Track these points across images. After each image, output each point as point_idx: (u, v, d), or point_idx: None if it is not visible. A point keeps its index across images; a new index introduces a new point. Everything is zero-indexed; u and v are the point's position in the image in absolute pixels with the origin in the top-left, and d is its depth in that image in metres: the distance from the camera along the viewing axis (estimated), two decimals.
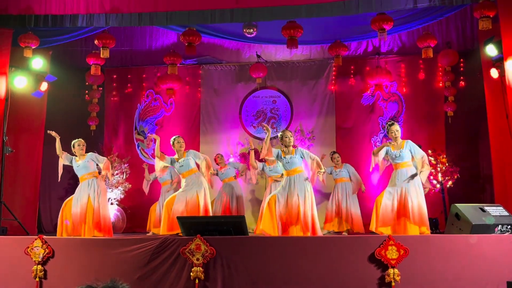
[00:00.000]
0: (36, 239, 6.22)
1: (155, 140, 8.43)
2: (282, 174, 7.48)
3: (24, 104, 8.82)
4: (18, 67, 8.59)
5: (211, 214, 7.97)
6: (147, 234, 8.98)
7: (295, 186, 7.13)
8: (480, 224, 6.10)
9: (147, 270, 5.97)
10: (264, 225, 7.24)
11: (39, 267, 6.14)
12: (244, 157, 10.23)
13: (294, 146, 7.40)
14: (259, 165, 8.99)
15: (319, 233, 7.21)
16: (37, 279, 6.13)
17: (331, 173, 9.14)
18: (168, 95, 10.52)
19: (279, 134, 7.54)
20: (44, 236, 6.30)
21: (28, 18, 7.98)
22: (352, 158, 9.62)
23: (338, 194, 9.04)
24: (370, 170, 7.47)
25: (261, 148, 7.46)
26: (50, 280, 6.16)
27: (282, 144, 7.39)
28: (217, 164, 9.56)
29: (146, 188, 9.81)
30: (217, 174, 9.45)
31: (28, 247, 6.20)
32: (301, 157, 7.29)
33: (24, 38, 8.19)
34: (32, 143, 9.06)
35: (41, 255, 6.14)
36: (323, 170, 7.36)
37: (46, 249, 6.16)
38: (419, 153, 7.14)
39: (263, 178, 10.06)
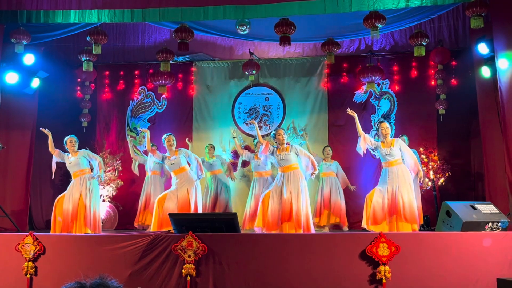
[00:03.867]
0: (27, 236, 6.21)
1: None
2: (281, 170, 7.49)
3: (16, 100, 8.78)
4: (9, 63, 8.55)
5: (200, 211, 8.01)
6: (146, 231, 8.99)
7: (289, 182, 7.19)
8: (471, 221, 6.14)
9: (138, 267, 5.98)
10: (257, 222, 7.30)
11: (30, 264, 6.13)
12: (236, 154, 10.22)
13: (287, 143, 7.48)
14: (247, 155, 9.08)
15: (312, 230, 7.25)
16: (28, 276, 6.12)
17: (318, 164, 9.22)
18: (161, 92, 10.49)
19: (272, 132, 7.61)
20: (35, 233, 6.29)
21: (19, 14, 7.92)
22: (345, 156, 9.66)
23: (326, 187, 9.11)
24: (358, 150, 7.46)
25: (256, 143, 7.67)
26: (40, 277, 6.15)
27: (275, 142, 7.45)
28: (207, 153, 9.55)
29: (135, 169, 9.81)
30: (202, 163, 9.43)
31: (19, 244, 6.18)
32: (296, 154, 7.35)
33: (16, 34, 8.13)
34: (24, 139, 9.00)
35: (32, 252, 6.13)
36: (316, 172, 7.47)
37: (37, 246, 6.15)
38: (410, 153, 7.24)
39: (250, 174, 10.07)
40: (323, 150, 9.45)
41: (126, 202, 10.36)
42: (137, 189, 10.47)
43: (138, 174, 9.83)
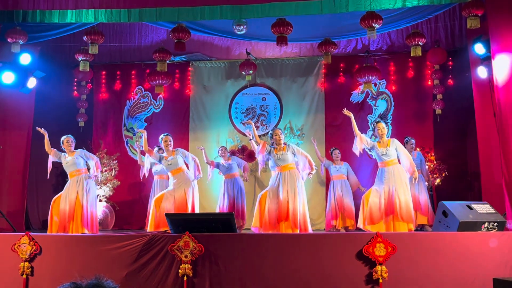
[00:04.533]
0: (23, 236, 6.20)
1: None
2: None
3: (12, 100, 8.76)
4: (5, 62, 8.53)
5: (198, 211, 8.01)
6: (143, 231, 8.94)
7: (285, 182, 7.20)
8: (467, 221, 6.16)
9: (135, 267, 5.97)
10: (254, 222, 7.31)
11: (26, 264, 6.12)
12: (233, 153, 10.21)
13: (284, 143, 7.49)
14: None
15: (309, 230, 7.26)
16: (24, 276, 6.11)
17: (328, 167, 9.21)
18: (158, 92, 10.48)
19: (269, 132, 7.63)
20: (31, 233, 6.27)
21: (16, 13, 7.91)
22: (341, 156, 9.63)
23: (338, 190, 9.06)
24: (354, 150, 7.51)
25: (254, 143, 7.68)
26: (37, 277, 6.14)
27: (272, 142, 7.47)
28: (220, 156, 9.50)
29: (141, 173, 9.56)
30: (218, 167, 9.40)
31: (15, 244, 6.17)
32: (293, 154, 7.36)
33: (12, 34, 8.10)
34: (20, 139, 8.98)
35: (28, 252, 6.11)
36: (314, 172, 7.46)
37: (33, 246, 6.14)
38: (405, 153, 7.27)
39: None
40: (331, 152, 9.36)
41: (123, 202, 10.35)
42: (133, 189, 10.48)
43: (141, 179, 9.68)
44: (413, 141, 8.80)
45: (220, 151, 9.56)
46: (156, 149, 8.64)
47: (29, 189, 9.39)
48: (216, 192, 10.14)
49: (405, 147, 8.35)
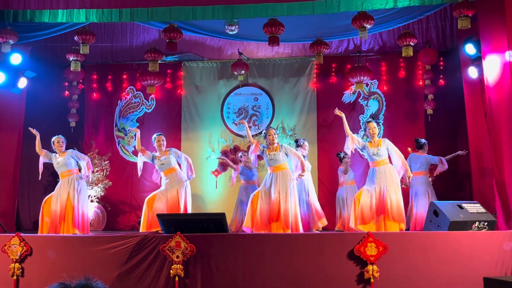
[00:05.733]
0: (13, 237, 6.17)
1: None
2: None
3: (3, 100, 8.71)
4: None
5: (190, 211, 8.00)
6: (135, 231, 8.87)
7: (277, 182, 7.20)
8: (458, 220, 6.20)
9: (126, 268, 5.96)
10: (246, 222, 7.32)
11: (17, 265, 6.09)
12: (225, 154, 10.20)
13: (277, 143, 7.50)
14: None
15: (301, 230, 7.27)
16: (15, 277, 6.08)
17: (341, 173, 9.02)
18: (149, 92, 10.44)
19: (263, 132, 7.63)
20: (22, 234, 6.24)
21: (6, 13, 7.86)
22: (333, 155, 9.65)
23: (350, 196, 8.72)
24: (346, 150, 7.63)
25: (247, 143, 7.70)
26: (27, 278, 6.11)
27: (266, 141, 7.47)
28: (246, 161, 9.13)
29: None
30: (242, 173, 9.12)
31: (5, 245, 6.14)
32: (286, 154, 7.36)
33: (2, 33, 8.04)
34: (11, 140, 8.92)
35: (18, 253, 6.08)
36: (305, 173, 7.46)
37: (24, 247, 6.11)
38: (397, 153, 7.30)
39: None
40: (341, 158, 9.02)
41: (114, 203, 10.31)
42: (125, 190, 10.44)
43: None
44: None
45: (243, 157, 9.18)
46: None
47: (20, 189, 9.34)
48: (209, 192, 10.15)
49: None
